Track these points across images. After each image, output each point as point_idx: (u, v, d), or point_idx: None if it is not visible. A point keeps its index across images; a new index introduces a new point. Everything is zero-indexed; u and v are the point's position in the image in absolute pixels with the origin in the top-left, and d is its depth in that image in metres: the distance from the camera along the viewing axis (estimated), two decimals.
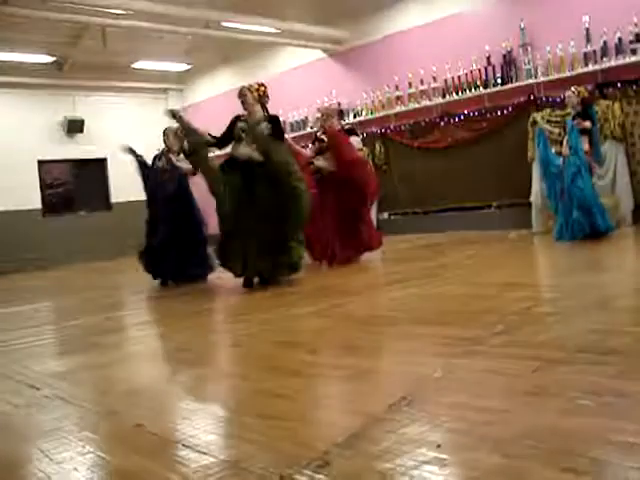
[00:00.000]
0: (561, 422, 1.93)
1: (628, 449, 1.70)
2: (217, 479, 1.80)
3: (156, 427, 2.32)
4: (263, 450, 1.97)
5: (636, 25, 9.33)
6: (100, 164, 16.76)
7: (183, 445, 2.10)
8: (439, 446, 1.86)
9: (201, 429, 2.28)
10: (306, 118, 14.10)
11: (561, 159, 7.86)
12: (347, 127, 8.55)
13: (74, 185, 16.57)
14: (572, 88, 7.97)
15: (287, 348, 3.53)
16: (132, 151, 8.14)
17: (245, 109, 6.61)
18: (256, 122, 6.40)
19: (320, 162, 7.91)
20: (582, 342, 2.89)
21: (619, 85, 9.39)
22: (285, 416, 2.31)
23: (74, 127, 16.03)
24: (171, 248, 7.43)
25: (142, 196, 8.38)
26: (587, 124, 7.66)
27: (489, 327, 3.35)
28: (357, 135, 8.57)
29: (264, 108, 6.64)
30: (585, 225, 7.42)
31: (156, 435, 2.24)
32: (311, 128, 13.34)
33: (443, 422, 2.08)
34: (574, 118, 7.77)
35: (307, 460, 1.84)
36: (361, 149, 12.35)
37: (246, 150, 6.37)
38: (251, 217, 6.18)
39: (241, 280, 6.36)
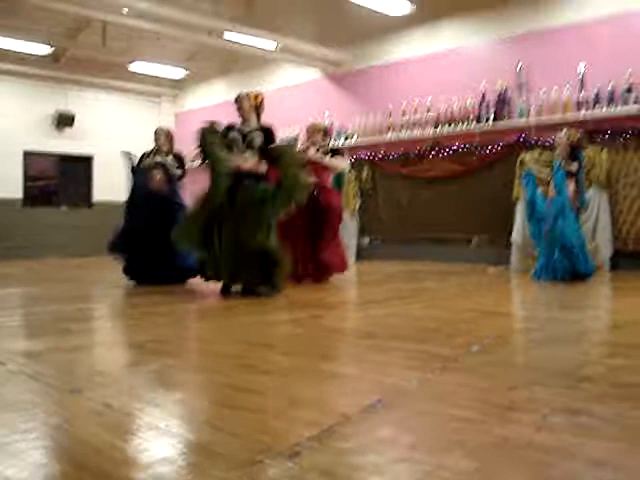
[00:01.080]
0: (535, 436, 1.92)
1: (599, 464, 1.70)
2: (186, 461, 1.77)
3: (124, 408, 2.28)
4: (234, 437, 1.94)
5: (629, 78, 9.48)
6: (86, 161, 16.68)
7: (152, 426, 2.06)
8: (412, 447, 1.84)
9: (170, 414, 2.25)
10: (298, 135, 14.13)
11: (547, 200, 7.93)
12: (333, 148, 8.43)
13: (58, 179, 16.46)
14: (564, 130, 8.06)
15: (261, 349, 3.50)
16: (128, 158, 8.00)
17: (240, 116, 6.58)
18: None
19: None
20: (557, 368, 2.90)
21: (608, 133, 9.53)
22: (256, 409, 2.29)
23: (64, 121, 15.95)
24: (153, 250, 7.34)
25: (124, 197, 8.25)
26: (574, 167, 7.75)
27: (465, 347, 3.35)
28: (342, 155, 8.50)
29: (258, 118, 6.64)
30: (566, 266, 7.47)
31: (124, 414, 2.21)
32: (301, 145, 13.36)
33: (416, 426, 2.07)
34: (562, 160, 7.84)
35: (278, 449, 1.81)
36: (349, 170, 12.43)
37: (248, 160, 6.33)
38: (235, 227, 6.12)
39: (219, 287, 6.31)
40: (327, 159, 7.87)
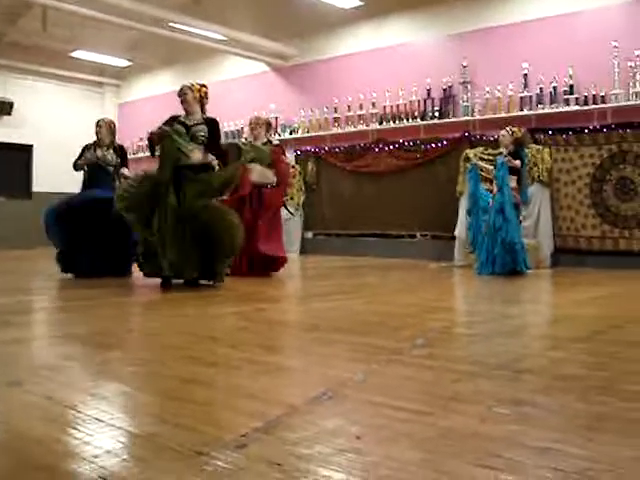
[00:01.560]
0: (480, 427, 1.94)
1: (543, 452, 1.73)
2: (131, 454, 1.74)
3: (66, 401, 2.23)
4: (179, 429, 1.92)
5: (571, 77, 9.68)
6: (25, 150, 16.28)
7: (96, 419, 2.02)
8: (358, 438, 1.84)
9: (115, 407, 2.22)
10: (242, 129, 14.05)
11: (491, 196, 8.05)
12: (275, 143, 8.33)
13: None
14: (507, 128, 8.19)
15: (205, 341, 3.47)
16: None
17: (184, 108, 6.49)
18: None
19: (255, 176, 7.70)
20: (499, 361, 2.95)
21: (550, 132, 9.72)
22: (202, 401, 2.26)
23: (2, 109, 15.53)
24: (95, 244, 7.20)
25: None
26: (517, 163, 7.88)
27: (409, 340, 3.38)
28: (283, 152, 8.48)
29: (203, 110, 6.57)
30: (507, 261, 7.61)
31: (66, 407, 2.16)
32: (245, 139, 13.29)
33: (363, 417, 2.08)
34: (505, 157, 7.96)
35: (224, 441, 1.80)
36: (293, 165, 12.43)
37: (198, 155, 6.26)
38: (181, 222, 6.05)
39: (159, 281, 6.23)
40: (255, 175, 7.75)
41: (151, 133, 6.45)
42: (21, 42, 14.89)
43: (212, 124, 6.48)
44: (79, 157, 7.78)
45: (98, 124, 7.89)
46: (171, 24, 12.67)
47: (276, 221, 7.99)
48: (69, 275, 7.29)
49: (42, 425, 1.98)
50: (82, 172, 7.81)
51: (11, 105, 15.62)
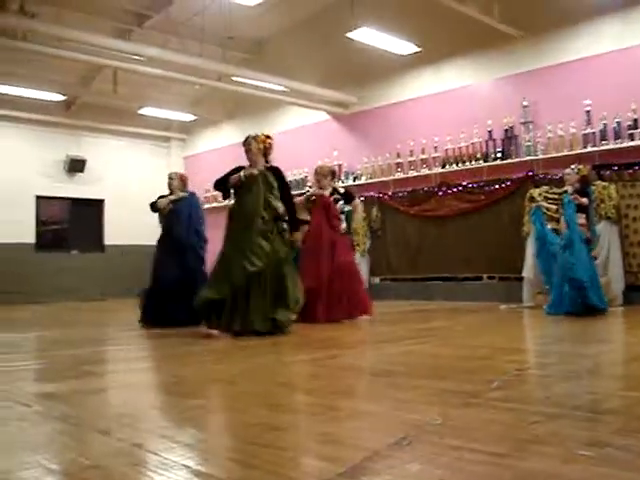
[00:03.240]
0: (562, 469, 1.94)
1: None
2: None
3: (153, 448, 2.30)
4: (265, 474, 1.97)
5: (634, 112, 9.60)
6: (97, 205, 16.85)
7: (183, 465, 2.09)
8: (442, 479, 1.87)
9: (200, 453, 2.28)
10: (306, 178, 14.26)
11: (559, 237, 7.98)
12: (343, 191, 8.42)
13: (69, 223, 16.63)
14: (572, 166, 8.14)
15: (282, 388, 3.53)
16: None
17: (248, 158, 6.63)
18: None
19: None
20: (578, 402, 2.92)
21: (615, 168, 9.63)
22: (285, 446, 2.31)
23: (75, 166, 16.17)
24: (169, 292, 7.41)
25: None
26: (584, 200, 7.80)
27: (484, 383, 3.37)
28: (354, 198, 8.53)
29: (266, 161, 6.69)
30: (576, 300, 7.48)
31: (153, 454, 2.23)
32: (309, 187, 13.47)
33: (443, 461, 2.09)
34: (571, 195, 7.89)
35: None
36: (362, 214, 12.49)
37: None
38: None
39: None
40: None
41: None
42: (93, 103, 15.54)
43: (276, 172, 6.61)
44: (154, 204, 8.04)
45: (170, 176, 8.15)
46: (233, 78, 13.02)
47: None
48: (144, 325, 7.49)
49: (133, 472, 2.05)
50: (159, 219, 8.04)
51: (84, 163, 16.24)
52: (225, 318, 6.13)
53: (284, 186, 6.62)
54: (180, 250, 7.63)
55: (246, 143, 6.63)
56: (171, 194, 8.01)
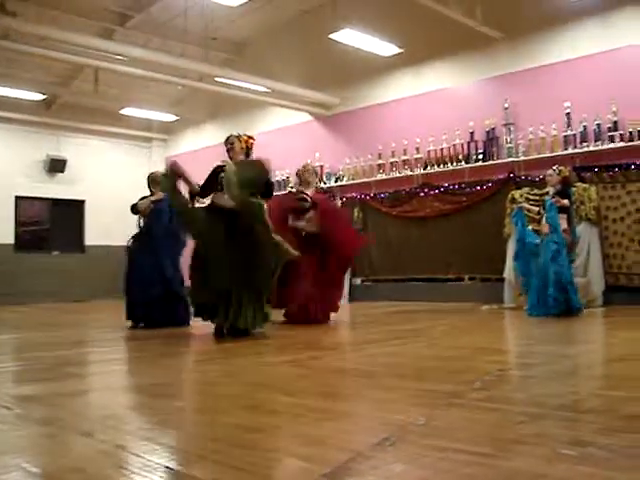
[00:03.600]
0: (547, 468, 1.95)
1: None
2: None
3: (135, 449, 2.29)
4: (249, 475, 1.96)
5: (614, 114, 9.67)
6: (78, 205, 16.75)
7: (166, 467, 2.08)
8: None
9: (182, 455, 2.27)
10: (287, 178, 14.25)
11: (539, 237, 8.02)
12: (325, 192, 8.46)
13: (49, 224, 16.52)
14: (554, 167, 8.19)
15: (263, 390, 3.52)
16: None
17: (230, 157, 6.59)
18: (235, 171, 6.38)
19: (301, 223, 7.84)
20: (560, 402, 2.94)
21: (596, 170, 9.70)
22: (267, 448, 2.31)
23: (56, 166, 16.06)
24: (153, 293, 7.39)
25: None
26: (565, 202, 7.85)
27: (467, 384, 3.37)
28: (334, 199, 8.58)
29: None
30: (560, 302, 7.54)
31: (136, 456, 2.22)
32: (291, 188, 13.47)
33: (427, 462, 2.09)
34: (553, 197, 7.94)
35: None
36: None
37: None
38: (231, 267, 6.12)
39: (211, 329, 6.30)
40: (302, 222, 7.88)
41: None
42: (74, 102, 15.45)
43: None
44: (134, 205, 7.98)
45: (149, 178, 8.08)
46: (215, 78, 13.00)
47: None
48: (129, 324, 7.47)
49: (116, 473, 2.03)
50: (138, 222, 7.97)
51: (64, 163, 16.14)
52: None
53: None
54: (156, 250, 7.56)
55: (229, 142, 6.58)
56: (152, 195, 7.95)
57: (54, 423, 2.72)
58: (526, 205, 8.88)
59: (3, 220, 15.40)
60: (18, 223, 15.90)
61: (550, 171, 8.18)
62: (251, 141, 6.69)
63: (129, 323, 7.54)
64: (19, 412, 2.97)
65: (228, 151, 6.59)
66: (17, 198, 15.81)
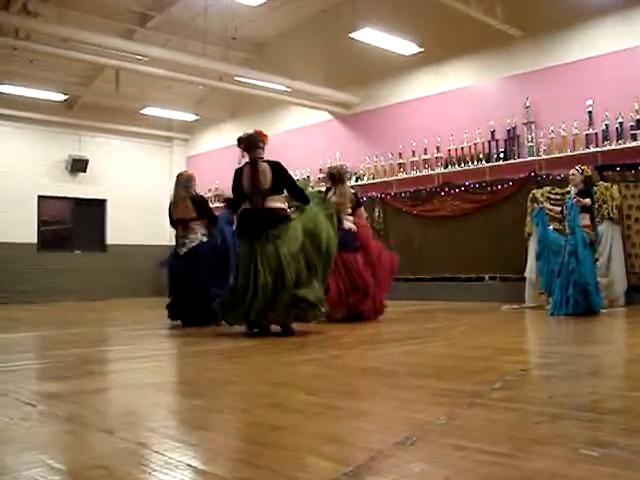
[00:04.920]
0: (567, 468, 1.95)
1: None
2: None
3: (157, 447, 2.31)
4: (271, 474, 1.97)
5: (637, 112, 9.60)
6: (99, 205, 16.88)
7: (187, 465, 2.10)
8: (447, 479, 1.87)
9: (204, 453, 2.28)
10: (308, 178, 14.27)
11: (562, 238, 7.99)
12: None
13: (72, 223, 16.66)
14: (576, 166, 8.14)
15: (285, 389, 3.54)
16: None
17: (254, 157, 6.55)
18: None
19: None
20: (581, 402, 2.93)
21: (618, 168, 9.61)
22: (289, 446, 2.32)
23: (78, 166, 16.19)
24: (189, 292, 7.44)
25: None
26: (587, 201, 7.80)
27: (487, 384, 3.37)
28: (360, 205, 8.50)
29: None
30: (581, 302, 7.50)
31: (158, 454, 2.24)
32: (312, 188, 13.48)
33: (447, 461, 2.09)
34: (574, 197, 7.89)
35: None
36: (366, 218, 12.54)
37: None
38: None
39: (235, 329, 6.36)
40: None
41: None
42: (95, 103, 15.56)
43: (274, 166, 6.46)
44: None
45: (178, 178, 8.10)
46: (235, 78, 13.04)
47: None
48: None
49: (138, 471, 2.05)
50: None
51: (86, 163, 16.27)
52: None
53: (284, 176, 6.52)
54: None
55: (248, 141, 6.52)
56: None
57: (76, 420, 2.75)
58: (548, 205, 8.83)
59: (27, 220, 15.55)
60: (41, 223, 16.05)
61: (573, 170, 8.13)
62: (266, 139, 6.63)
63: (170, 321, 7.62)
64: (43, 409, 3.01)
65: (249, 150, 6.50)
66: (40, 198, 15.96)
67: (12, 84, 13.50)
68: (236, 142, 6.56)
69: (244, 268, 6.09)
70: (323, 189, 8.43)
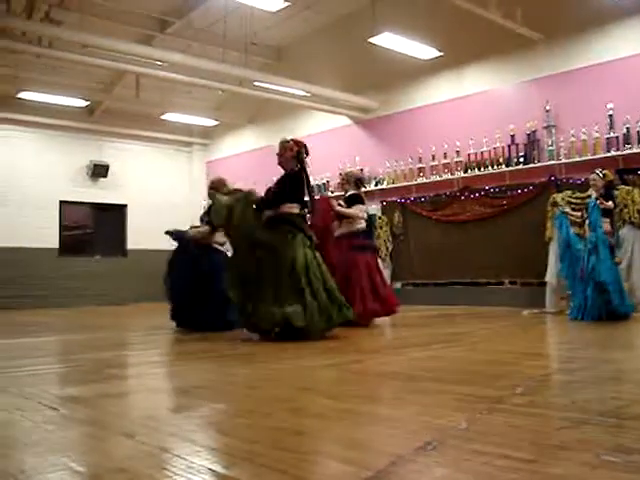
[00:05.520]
0: (590, 475, 1.93)
1: None
2: None
3: (178, 451, 2.32)
4: (292, 479, 1.97)
5: None
6: (120, 210, 16.99)
7: (209, 469, 2.10)
8: None
9: (225, 457, 2.29)
10: (328, 183, 14.29)
11: (583, 242, 7.93)
12: (350, 194, 8.21)
13: (92, 228, 16.78)
14: (597, 170, 8.08)
15: (305, 393, 3.54)
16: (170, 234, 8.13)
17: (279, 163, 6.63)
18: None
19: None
20: (604, 408, 2.90)
21: (639, 172, 9.52)
22: (310, 451, 2.32)
23: (99, 171, 16.31)
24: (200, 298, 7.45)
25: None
26: (610, 204, 7.75)
27: (509, 389, 3.36)
28: (362, 203, 8.34)
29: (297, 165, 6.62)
30: (600, 305, 7.43)
31: (179, 458, 2.24)
32: (331, 192, 13.51)
33: (469, 466, 2.08)
34: (597, 199, 7.84)
35: None
36: (379, 216, 12.53)
37: None
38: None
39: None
40: (342, 209, 7.95)
41: None
42: (115, 108, 15.68)
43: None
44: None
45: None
46: (255, 83, 13.08)
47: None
48: (175, 327, 7.54)
49: (160, 475, 2.06)
50: None
51: (107, 168, 16.38)
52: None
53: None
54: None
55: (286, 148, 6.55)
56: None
57: (98, 424, 2.77)
58: (569, 210, 8.77)
59: (49, 225, 15.68)
60: (62, 228, 16.17)
61: (594, 175, 8.08)
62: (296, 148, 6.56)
63: (174, 324, 7.63)
64: (64, 412, 3.03)
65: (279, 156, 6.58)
66: (61, 203, 16.09)
67: (34, 91, 13.64)
68: (303, 149, 6.55)
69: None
70: (342, 193, 8.42)
